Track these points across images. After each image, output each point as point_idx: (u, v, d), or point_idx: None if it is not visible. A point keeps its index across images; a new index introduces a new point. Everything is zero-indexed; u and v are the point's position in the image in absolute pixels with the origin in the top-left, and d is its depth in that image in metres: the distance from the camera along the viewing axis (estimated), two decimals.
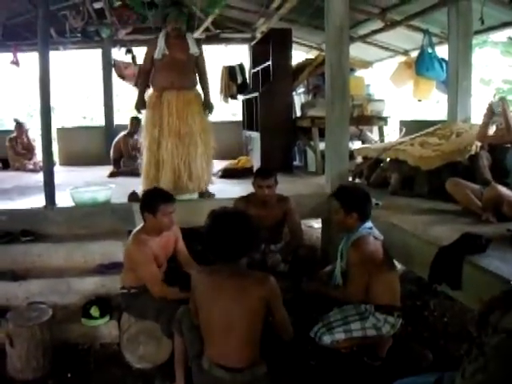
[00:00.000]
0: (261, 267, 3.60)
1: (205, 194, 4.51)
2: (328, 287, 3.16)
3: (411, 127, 6.35)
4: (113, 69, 8.29)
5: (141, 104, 4.51)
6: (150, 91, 4.55)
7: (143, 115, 4.59)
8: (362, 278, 2.87)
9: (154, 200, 3.10)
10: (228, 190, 4.69)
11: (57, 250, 3.87)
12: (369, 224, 3.01)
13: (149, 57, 4.44)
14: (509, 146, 4.01)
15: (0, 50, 8.02)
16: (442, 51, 6.13)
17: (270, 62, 6.49)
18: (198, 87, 4.57)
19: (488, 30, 6.03)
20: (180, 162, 4.29)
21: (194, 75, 4.52)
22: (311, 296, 3.17)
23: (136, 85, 8.21)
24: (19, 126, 7.80)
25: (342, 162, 4.57)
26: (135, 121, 7.02)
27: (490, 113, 3.88)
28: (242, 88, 8.21)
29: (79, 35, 7.62)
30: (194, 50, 4.40)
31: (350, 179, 5.24)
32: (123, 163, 6.67)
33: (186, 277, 2.75)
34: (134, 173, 6.30)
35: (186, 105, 4.34)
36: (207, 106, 4.51)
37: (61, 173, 6.44)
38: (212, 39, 8.33)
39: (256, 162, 6.38)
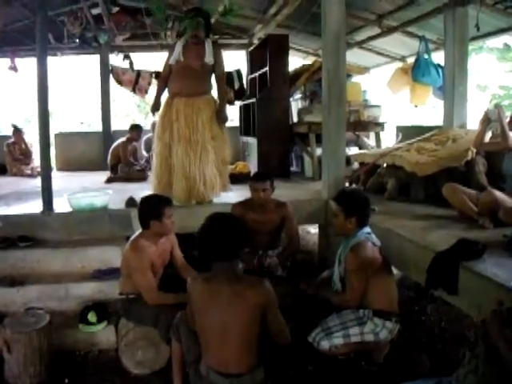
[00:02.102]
0: (258, 272, 3.61)
1: (204, 200, 4.51)
2: (327, 292, 3.17)
3: (408, 133, 6.37)
4: (110, 75, 8.31)
5: (156, 107, 4.60)
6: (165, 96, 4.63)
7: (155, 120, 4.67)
8: (361, 283, 2.87)
9: (158, 205, 3.15)
10: (225, 196, 4.69)
11: (54, 256, 3.88)
12: (367, 229, 3.03)
13: (167, 63, 4.53)
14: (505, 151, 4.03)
15: None
16: (439, 57, 6.17)
17: (267, 68, 6.51)
18: (214, 93, 4.62)
19: (484, 36, 6.07)
20: (193, 168, 4.29)
21: (208, 83, 4.57)
22: (310, 301, 3.18)
23: (133, 90, 8.28)
24: (17, 131, 7.80)
25: (339, 168, 4.58)
26: (136, 128, 7.06)
27: (486, 120, 3.89)
28: (239, 94, 8.23)
29: (77, 41, 7.66)
30: (209, 58, 4.45)
31: (347, 185, 5.25)
32: (120, 169, 6.67)
33: (182, 283, 2.76)
34: (131, 178, 6.34)
35: (195, 112, 4.36)
36: (220, 117, 4.50)
37: (58, 178, 6.44)
38: None
39: (253, 168, 6.38)
